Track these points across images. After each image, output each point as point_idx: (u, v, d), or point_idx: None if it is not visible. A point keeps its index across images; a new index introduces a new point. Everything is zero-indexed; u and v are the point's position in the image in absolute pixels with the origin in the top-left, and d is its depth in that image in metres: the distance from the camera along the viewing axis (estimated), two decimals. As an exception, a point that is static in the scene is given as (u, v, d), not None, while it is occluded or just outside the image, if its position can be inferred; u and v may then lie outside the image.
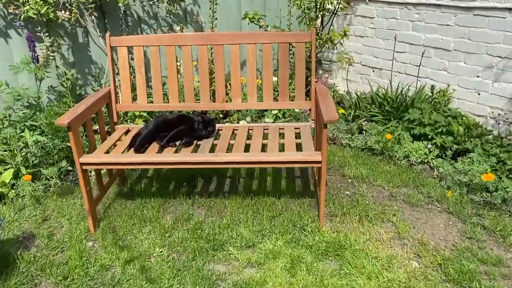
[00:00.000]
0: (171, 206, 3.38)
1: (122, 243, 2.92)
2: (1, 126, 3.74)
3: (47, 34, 4.04)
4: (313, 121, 3.42)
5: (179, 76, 3.71)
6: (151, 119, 3.58)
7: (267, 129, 3.41)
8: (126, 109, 3.53)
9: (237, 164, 2.87)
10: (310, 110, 3.47)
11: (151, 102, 3.53)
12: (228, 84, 3.86)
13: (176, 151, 3.06)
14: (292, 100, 3.42)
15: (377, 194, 3.41)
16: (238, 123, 4.33)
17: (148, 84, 3.77)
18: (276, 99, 3.41)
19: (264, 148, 3.06)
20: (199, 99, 3.48)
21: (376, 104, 4.47)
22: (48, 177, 3.68)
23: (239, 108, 3.49)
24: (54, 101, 4.25)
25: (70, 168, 3.86)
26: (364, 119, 4.41)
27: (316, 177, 3.25)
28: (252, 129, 3.40)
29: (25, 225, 3.20)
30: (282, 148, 3.07)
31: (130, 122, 4.21)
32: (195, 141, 3.19)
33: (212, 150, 3.06)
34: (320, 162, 2.77)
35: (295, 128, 3.40)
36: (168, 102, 3.47)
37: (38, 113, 3.91)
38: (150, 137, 3.16)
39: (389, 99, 4.32)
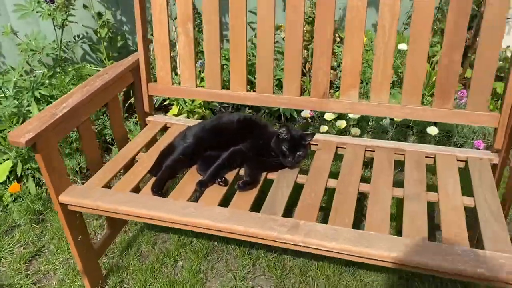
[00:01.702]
0: (219, 261, 2.06)
1: None
2: (5, 94, 2.59)
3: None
4: (496, 153, 1.76)
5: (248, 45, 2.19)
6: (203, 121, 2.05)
7: (401, 153, 1.84)
8: (163, 94, 2.15)
9: (348, 256, 1.41)
10: (495, 130, 1.78)
11: (201, 85, 2.09)
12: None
13: (224, 199, 1.65)
14: (460, 108, 1.76)
15: None
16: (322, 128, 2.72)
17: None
18: (426, 101, 1.78)
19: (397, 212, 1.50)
20: (281, 88, 1.98)
21: None
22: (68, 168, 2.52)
23: (353, 112, 1.92)
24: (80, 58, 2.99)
25: (83, 170, 2.67)
26: None
27: None
28: (371, 150, 1.86)
29: (3, 268, 2.11)
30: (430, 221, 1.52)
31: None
32: (263, 175, 1.73)
33: (292, 203, 1.61)
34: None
35: (457, 160, 1.78)
36: (229, 88, 2.01)
37: (56, 76, 2.69)
38: (188, 158, 1.77)
39: None
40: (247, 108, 3.00)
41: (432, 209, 2.12)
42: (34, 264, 2.12)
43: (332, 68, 3.21)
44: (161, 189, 1.65)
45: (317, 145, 1.92)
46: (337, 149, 1.91)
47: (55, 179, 1.62)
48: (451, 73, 1.71)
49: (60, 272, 2.06)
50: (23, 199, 2.42)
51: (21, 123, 2.47)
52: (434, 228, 1.99)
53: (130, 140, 2.04)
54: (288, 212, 1.59)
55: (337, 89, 2.96)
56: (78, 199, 1.63)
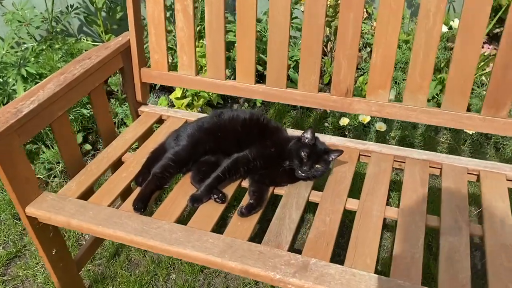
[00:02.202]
0: (218, 276, 1.81)
1: None
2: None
3: None
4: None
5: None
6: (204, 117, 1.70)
7: (437, 167, 1.52)
8: (158, 81, 1.83)
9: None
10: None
11: (201, 72, 1.77)
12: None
13: (218, 224, 1.38)
14: (516, 117, 1.43)
15: None
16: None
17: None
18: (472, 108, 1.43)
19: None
20: (295, 82, 1.66)
21: None
22: (47, 162, 2.28)
23: (381, 115, 1.58)
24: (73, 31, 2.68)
25: (89, 147, 2.42)
26: None
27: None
28: (400, 161, 1.54)
29: (-24, 271, 1.89)
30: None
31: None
32: (270, 191, 1.44)
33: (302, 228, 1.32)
34: None
35: (507, 180, 1.46)
36: (235, 79, 1.69)
37: (43, 52, 2.40)
38: (180, 164, 1.48)
39: None
40: (261, 103, 2.69)
41: (475, 247, 1.81)
42: (13, 269, 1.89)
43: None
44: (145, 205, 1.38)
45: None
46: (359, 157, 1.60)
47: (20, 187, 1.35)
48: (509, 77, 1.36)
49: (40, 279, 1.83)
50: (4, 191, 2.18)
51: (5, 104, 2.21)
52: (478, 275, 1.67)
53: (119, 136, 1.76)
54: (297, 240, 1.30)
55: (362, 73, 2.61)
56: (48, 214, 1.36)
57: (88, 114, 2.37)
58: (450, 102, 1.46)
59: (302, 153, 1.39)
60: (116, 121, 2.47)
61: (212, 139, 1.51)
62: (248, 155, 1.45)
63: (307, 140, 1.42)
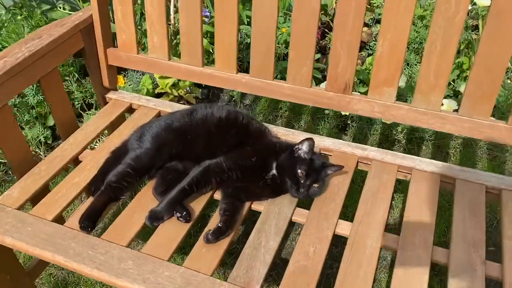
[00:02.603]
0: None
1: None
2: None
3: None
4: None
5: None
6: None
7: (448, 181, 1.27)
8: (126, 64, 1.57)
9: None
10: None
11: (176, 55, 1.51)
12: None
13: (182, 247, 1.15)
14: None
15: None
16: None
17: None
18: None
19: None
20: (282, 73, 1.40)
21: None
22: None
23: (385, 118, 1.31)
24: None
25: (48, 141, 2.17)
26: None
27: None
28: (406, 172, 1.30)
29: None
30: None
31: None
32: (246, 207, 1.21)
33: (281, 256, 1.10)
34: None
35: (532, 203, 1.20)
36: (213, 63, 1.43)
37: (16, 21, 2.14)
38: (140, 171, 1.24)
39: None
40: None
41: None
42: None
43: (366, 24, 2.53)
44: (93, 223, 1.15)
45: (330, 155, 1.36)
46: (357, 163, 1.35)
47: None
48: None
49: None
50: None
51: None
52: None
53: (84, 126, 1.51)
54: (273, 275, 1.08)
55: (372, 53, 2.31)
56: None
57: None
58: (470, 107, 1.19)
59: (299, 171, 1.15)
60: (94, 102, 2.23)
61: (180, 142, 1.26)
62: (222, 163, 1.20)
63: (302, 154, 1.18)
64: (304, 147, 1.18)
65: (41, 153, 2.12)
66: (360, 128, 2.16)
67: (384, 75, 1.23)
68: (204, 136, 1.26)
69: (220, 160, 1.21)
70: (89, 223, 1.14)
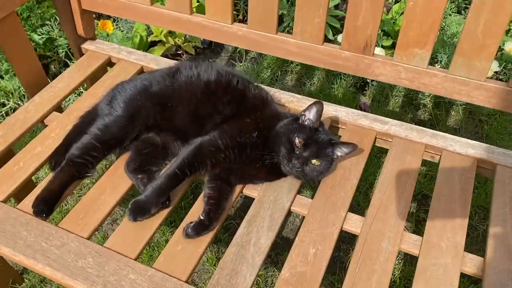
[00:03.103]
0: None
1: None
2: None
3: None
4: None
5: None
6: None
7: (487, 167, 1.03)
8: (102, 9, 1.31)
9: None
10: None
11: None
12: None
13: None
14: None
15: None
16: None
17: None
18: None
19: None
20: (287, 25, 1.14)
21: None
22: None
23: (414, 87, 1.05)
24: None
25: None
26: None
27: None
28: (433, 153, 1.06)
29: None
30: None
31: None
32: (237, 192, 0.99)
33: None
34: None
35: None
36: (203, 13, 1.16)
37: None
38: (109, 144, 1.02)
39: None
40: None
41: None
42: None
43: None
44: (50, 207, 0.95)
45: (343, 128, 1.13)
46: (375, 140, 1.11)
47: None
48: None
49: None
50: None
51: None
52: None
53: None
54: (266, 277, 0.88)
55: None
56: None
57: (42, 41, 1.88)
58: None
59: (296, 139, 0.93)
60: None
61: (159, 110, 1.03)
62: (217, 140, 0.97)
63: (307, 121, 0.96)
64: (311, 113, 0.96)
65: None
66: (380, 88, 1.89)
67: (416, 33, 0.96)
68: (188, 104, 1.03)
69: (214, 136, 0.98)
70: (45, 207, 0.94)
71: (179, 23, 1.18)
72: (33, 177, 1.09)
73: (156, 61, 1.31)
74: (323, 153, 0.94)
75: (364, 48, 1.02)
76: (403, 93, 1.86)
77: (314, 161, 0.93)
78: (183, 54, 2.12)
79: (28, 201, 0.97)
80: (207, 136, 0.99)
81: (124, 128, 1.02)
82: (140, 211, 0.91)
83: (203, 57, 2.12)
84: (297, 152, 0.93)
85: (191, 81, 1.04)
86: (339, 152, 0.97)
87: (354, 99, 1.87)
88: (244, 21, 2.10)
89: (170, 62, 1.30)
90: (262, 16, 1.09)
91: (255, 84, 1.09)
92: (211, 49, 2.17)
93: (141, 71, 1.31)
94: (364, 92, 1.93)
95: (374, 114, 1.13)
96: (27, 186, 1.05)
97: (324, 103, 1.13)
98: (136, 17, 1.26)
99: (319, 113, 0.96)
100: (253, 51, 2.08)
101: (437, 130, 1.65)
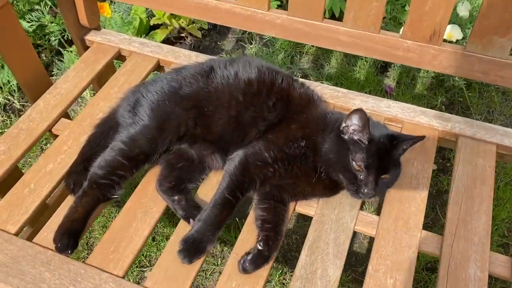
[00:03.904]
0: None
1: None
2: None
3: None
4: None
5: None
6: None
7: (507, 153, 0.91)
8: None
9: None
10: None
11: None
12: None
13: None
14: None
15: None
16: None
17: None
18: None
19: None
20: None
21: None
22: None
23: (488, 80, 0.91)
24: None
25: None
26: None
27: None
28: (506, 154, 0.93)
29: None
30: None
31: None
32: (291, 211, 0.85)
33: None
34: None
35: None
36: (236, -1, 1.00)
37: None
38: (137, 159, 0.86)
39: None
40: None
41: None
42: None
43: None
44: (75, 240, 0.80)
45: (399, 127, 0.99)
46: (438, 140, 0.97)
47: None
48: None
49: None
50: None
51: None
52: None
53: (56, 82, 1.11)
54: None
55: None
56: None
57: (32, 28, 1.68)
58: None
59: (355, 163, 0.77)
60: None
61: (193, 116, 0.88)
62: (263, 153, 0.82)
63: (354, 134, 0.78)
64: (353, 124, 0.78)
65: (15, 101, 1.73)
66: (406, 69, 1.74)
67: (498, 18, 0.81)
68: (228, 109, 0.87)
69: (258, 148, 0.83)
70: (69, 240, 0.79)
71: (203, 9, 1.02)
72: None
73: (174, 53, 1.14)
74: (390, 163, 0.80)
75: (430, 37, 0.87)
76: (431, 74, 1.72)
77: (384, 176, 0.78)
78: (187, 37, 1.94)
79: (47, 233, 0.82)
80: (250, 148, 0.84)
81: (153, 140, 0.86)
82: (195, 251, 0.77)
83: (209, 39, 1.95)
84: (362, 178, 0.77)
85: (229, 80, 0.88)
86: (405, 145, 0.80)
87: (378, 82, 1.73)
88: (282, 7, 1.87)
89: (190, 54, 1.13)
90: (305, 2, 0.93)
91: (300, 81, 0.94)
92: (216, 30, 1.99)
93: (157, 65, 1.14)
94: (387, 73, 1.79)
95: (400, 99, 0.98)
96: (41, 210, 0.89)
97: (377, 98, 0.99)
98: (152, 4, 1.08)
99: (364, 120, 0.77)
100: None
101: (472, 113, 1.53)
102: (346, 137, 0.79)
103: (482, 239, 0.80)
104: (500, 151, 0.93)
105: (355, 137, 0.78)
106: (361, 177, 0.76)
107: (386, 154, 0.78)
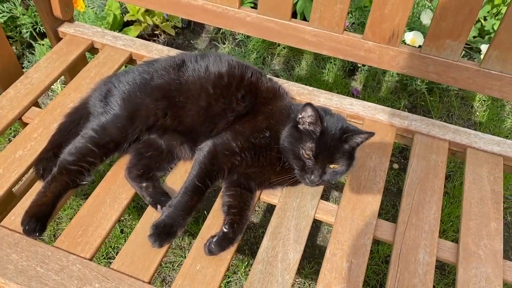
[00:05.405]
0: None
1: None
2: None
3: None
4: None
5: None
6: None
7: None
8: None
9: None
10: None
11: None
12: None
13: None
14: None
15: None
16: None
17: None
18: None
19: None
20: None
21: None
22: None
23: (441, 81, 0.98)
24: None
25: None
26: None
27: None
28: (457, 151, 0.99)
29: None
30: None
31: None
32: (256, 198, 0.89)
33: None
34: None
35: None
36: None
37: None
38: (107, 148, 0.89)
39: None
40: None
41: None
42: None
43: None
44: (43, 223, 0.82)
45: (360, 124, 1.04)
46: (395, 136, 1.03)
47: None
48: None
49: None
50: None
51: None
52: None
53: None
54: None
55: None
56: None
57: (3, 19, 1.67)
58: None
59: (304, 152, 0.81)
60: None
61: (163, 107, 0.91)
62: (230, 142, 0.86)
63: (307, 122, 0.83)
64: (306, 115, 0.82)
65: None
66: (372, 73, 1.82)
67: (450, 23, 0.88)
68: (198, 100, 0.91)
69: (226, 138, 0.87)
70: (37, 223, 0.81)
71: (177, 5, 1.05)
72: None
73: (147, 47, 1.17)
74: (338, 154, 0.82)
75: (389, 39, 0.93)
76: (396, 78, 1.80)
77: (331, 166, 0.83)
78: (160, 35, 1.96)
79: (15, 216, 0.83)
80: (219, 138, 0.88)
81: (123, 129, 0.89)
82: (165, 236, 0.80)
83: (182, 38, 1.97)
84: (310, 165, 0.81)
85: (200, 73, 0.92)
86: (357, 139, 0.83)
87: (345, 85, 1.79)
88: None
89: (163, 49, 1.16)
90: (274, 1, 0.97)
91: (266, 76, 0.98)
92: (190, 29, 2.02)
93: (130, 58, 1.16)
94: (354, 77, 1.86)
95: (367, 100, 1.04)
96: (9, 197, 0.90)
97: (340, 96, 1.05)
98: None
99: (315, 112, 0.81)
100: (238, 33, 1.95)
101: (432, 116, 1.61)
102: (301, 127, 0.83)
103: (431, 227, 0.86)
104: (452, 147, 1.00)
105: (309, 128, 0.82)
106: (309, 164, 0.81)
107: (336, 145, 0.82)
